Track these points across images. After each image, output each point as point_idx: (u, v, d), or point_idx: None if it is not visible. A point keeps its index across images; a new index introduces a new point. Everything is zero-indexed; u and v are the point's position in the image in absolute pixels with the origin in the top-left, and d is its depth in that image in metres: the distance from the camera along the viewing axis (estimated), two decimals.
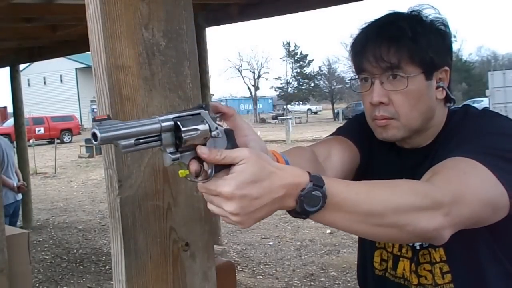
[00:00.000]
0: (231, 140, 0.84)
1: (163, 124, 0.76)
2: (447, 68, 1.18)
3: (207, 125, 0.80)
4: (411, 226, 0.90)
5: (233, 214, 0.77)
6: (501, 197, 1.00)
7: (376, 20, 1.19)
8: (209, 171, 0.80)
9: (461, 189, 0.96)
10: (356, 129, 1.31)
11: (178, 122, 0.77)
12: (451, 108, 1.23)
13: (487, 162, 1.01)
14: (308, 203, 0.81)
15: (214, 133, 0.80)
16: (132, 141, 0.74)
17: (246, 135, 0.87)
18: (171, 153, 0.78)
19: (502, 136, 1.09)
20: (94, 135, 0.72)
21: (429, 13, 1.17)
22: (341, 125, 1.41)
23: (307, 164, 1.09)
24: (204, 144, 0.80)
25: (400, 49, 1.12)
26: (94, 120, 0.72)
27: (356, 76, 1.22)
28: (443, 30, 1.17)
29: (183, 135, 0.77)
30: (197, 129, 0.78)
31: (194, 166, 0.79)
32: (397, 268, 1.25)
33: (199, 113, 0.81)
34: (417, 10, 1.17)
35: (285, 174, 0.81)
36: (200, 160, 0.80)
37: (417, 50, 1.12)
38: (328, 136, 1.35)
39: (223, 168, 0.79)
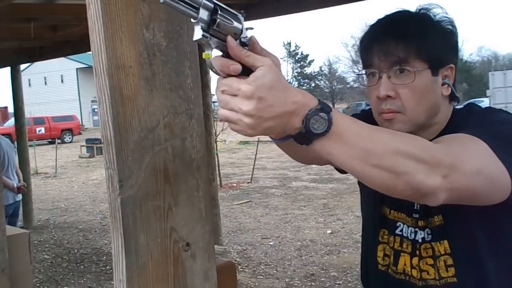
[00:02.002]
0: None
1: (205, 1, 0.78)
2: (452, 65, 1.20)
3: (241, 25, 0.82)
4: (407, 175, 0.91)
5: (248, 115, 0.79)
6: (500, 174, 1.01)
7: (385, 17, 1.22)
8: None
9: (462, 157, 0.98)
10: (368, 120, 1.32)
11: (218, 6, 0.79)
12: (456, 106, 1.26)
13: (491, 142, 1.02)
14: (313, 124, 0.83)
15: (244, 38, 0.83)
16: None
17: (268, 55, 0.88)
18: (202, 28, 0.79)
19: (505, 123, 1.11)
20: None
21: (437, 12, 1.20)
22: None
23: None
24: None
25: (408, 44, 1.15)
26: None
27: (364, 72, 1.24)
28: (450, 29, 1.20)
29: (218, 18, 0.78)
30: (231, 21, 0.81)
31: (219, 60, 0.81)
32: (398, 264, 1.26)
33: (237, 14, 0.83)
34: (426, 8, 1.21)
35: (298, 92, 0.84)
36: (223, 56, 0.81)
37: (424, 46, 1.15)
38: None
39: (243, 73, 0.80)
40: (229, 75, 0.81)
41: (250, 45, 0.84)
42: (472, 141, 1.03)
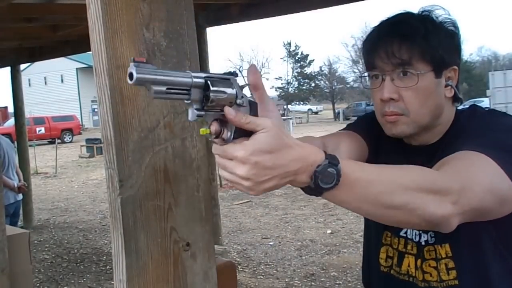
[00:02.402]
0: (254, 111, 0.85)
1: (195, 80, 0.77)
2: (455, 67, 1.20)
3: (234, 90, 0.81)
4: (420, 210, 0.92)
5: (244, 179, 0.79)
6: (508, 191, 1.01)
7: (389, 19, 1.22)
8: (229, 134, 0.81)
9: (469, 179, 0.98)
10: (365, 125, 1.34)
11: (209, 81, 0.78)
12: (459, 108, 1.26)
13: (495, 156, 1.02)
14: (322, 179, 0.83)
15: (239, 100, 0.82)
16: (164, 88, 0.75)
17: (269, 110, 0.87)
18: (196, 109, 0.79)
19: (508, 132, 1.11)
20: (130, 75, 0.73)
21: (439, 14, 1.20)
22: (350, 122, 1.45)
23: None
24: None
25: (412, 46, 1.15)
26: (133, 60, 0.73)
27: (367, 74, 1.25)
28: (452, 31, 1.20)
29: (211, 94, 0.78)
30: (225, 92, 0.80)
31: (215, 126, 0.81)
32: (401, 265, 1.26)
33: (229, 79, 0.82)
34: (428, 10, 1.21)
35: (302, 149, 0.83)
36: (221, 124, 0.81)
37: (428, 48, 1.15)
38: (339, 130, 1.39)
39: (242, 135, 0.80)
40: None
41: (251, 86, 0.84)
42: (477, 159, 1.03)
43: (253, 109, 0.85)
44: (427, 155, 1.21)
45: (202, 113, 0.79)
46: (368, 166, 0.93)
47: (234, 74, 0.84)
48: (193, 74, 0.78)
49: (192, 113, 0.79)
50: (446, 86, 1.19)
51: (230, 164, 0.80)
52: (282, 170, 0.81)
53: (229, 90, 0.81)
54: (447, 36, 1.18)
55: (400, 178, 0.92)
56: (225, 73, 0.83)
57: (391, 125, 1.20)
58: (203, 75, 0.79)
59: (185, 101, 0.79)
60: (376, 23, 1.24)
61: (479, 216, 1.03)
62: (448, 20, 1.20)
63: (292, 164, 0.81)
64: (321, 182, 0.83)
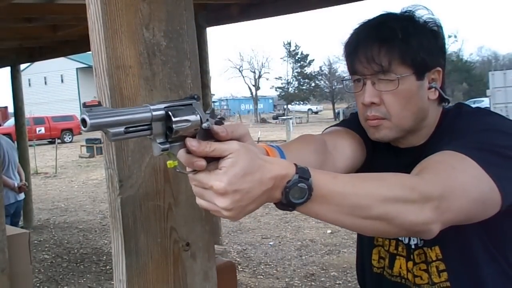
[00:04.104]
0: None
1: (154, 113, 0.75)
2: (439, 68, 1.18)
3: (198, 116, 0.78)
4: (399, 219, 0.90)
5: (226, 210, 0.77)
6: (491, 192, 0.99)
7: (368, 21, 1.19)
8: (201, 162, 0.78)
9: (450, 184, 0.96)
10: (359, 123, 1.32)
11: (170, 112, 0.75)
12: (446, 107, 1.23)
13: (477, 157, 1.00)
14: (293, 195, 0.81)
15: (205, 124, 0.78)
16: (122, 129, 0.72)
17: (235, 131, 0.84)
18: (160, 143, 0.76)
19: (494, 132, 1.09)
20: (83, 121, 0.70)
21: (422, 14, 1.17)
22: (345, 118, 1.41)
23: (311, 155, 1.09)
24: (194, 136, 0.78)
25: (390, 50, 1.12)
26: (84, 105, 0.70)
27: (349, 77, 1.23)
28: (435, 31, 1.17)
29: (173, 125, 0.75)
30: (188, 120, 0.76)
31: (184, 157, 0.78)
32: (393, 267, 1.26)
33: (191, 104, 0.79)
34: (410, 10, 1.18)
35: (273, 166, 0.81)
36: (189, 151, 0.78)
37: (408, 51, 1.12)
38: (334, 126, 1.35)
39: (212, 160, 0.78)
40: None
41: (215, 135, 0.79)
42: (459, 161, 1.00)
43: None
44: (416, 156, 1.18)
45: (167, 146, 0.77)
46: (343, 177, 0.90)
47: (196, 98, 0.81)
48: (152, 107, 0.75)
49: (156, 148, 0.76)
50: (429, 88, 1.16)
51: (208, 194, 0.78)
52: (260, 190, 0.79)
53: (193, 117, 0.77)
54: (429, 37, 1.15)
55: (377, 189, 0.89)
56: (185, 98, 0.80)
57: (374, 129, 1.18)
58: (162, 106, 0.76)
59: (148, 137, 0.76)
60: (356, 25, 1.21)
61: (462, 220, 1.01)
62: (431, 20, 1.17)
63: (267, 182, 0.79)
64: (292, 197, 0.81)
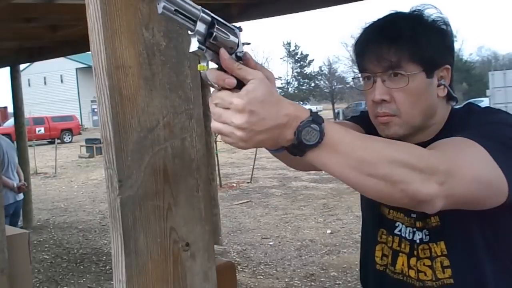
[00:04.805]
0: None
1: (202, 14, 0.79)
2: (448, 66, 1.20)
3: (237, 40, 0.84)
4: (403, 184, 0.90)
5: (240, 128, 0.80)
6: (497, 179, 1.00)
7: (378, 20, 1.21)
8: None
9: (457, 162, 0.97)
10: (368, 120, 1.33)
11: (215, 21, 0.80)
12: (454, 106, 1.25)
13: (487, 145, 1.02)
14: (305, 135, 0.84)
15: (239, 53, 0.84)
16: (172, 8, 0.76)
17: (261, 69, 0.88)
18: (199, 41, 0.80)
19: (504, 125, 1.10)
20: None
21: (431, 13, 1.19)
22: (354, 115, 1.44)
23: None
24: None
25: (400, 48, 1.14)
26: None
27: (359, 75, 1.25)
28: (444, 29, 1.19)
29: (215, 32, 0.80)
30: (228, 35, 0.82)
31: (215, 73, 0.82)
32: (396, 264, 1.26)
33: (234, 29, 0.84)
34: (419, 9, 1.20)
35: (290, 105, 0.84)
36: (219, 69, 0.82)
37: (417, 49, 1.14)
38: (344, 119, 1.39)
39: (237, 87, 0.81)
40: (223, 88, 0.82)
41: (244, 59, 0.84)
42: (469, 145, 1.02)
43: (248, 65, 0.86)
44: None
45: (204, 47, 0.80)
46: (354, 132, 0.93)
47: (239, 28, 0.86)
48: (203, 9, 0.79)
49: (194, 44, 0.80)
50: (438, 85, 1.19)
51: (226, 113, 0.81)
52: (275, 122, 0.82)
53: (232, 37, 0.83)
54: (438, 35, 1.18)
55: (386, 150, 0.91)
56: (232, 24, 0.85)
57: (384, 126, 1.20)
58: (212, 14, 0.81)
59: (189, 32, 0.80)
60: (366, 25, 1.23)
61: (466, 202, 1.02)
62: (440, 18, 1.19)
63: (282, 117, 0.82)
64: (304, 138, 0.84)
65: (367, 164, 0.88)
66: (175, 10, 0.76)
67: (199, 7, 0.79)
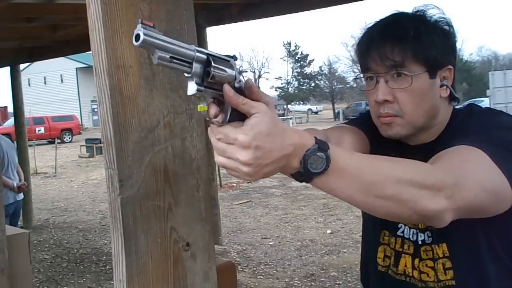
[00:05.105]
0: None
1: (197, 54, 0.78)
2: (450, 67, 1.20)
3: (234, 72, 0.82)
4: (411, 202, 0.91)
5: (246, 164, 0.79)
6: (503, 186, 1.01)
7: (381, 20, 1.21)
8: (224, 117, 0.81)
9: (463, 174, 0.97)
10: (367, 122, 1.33)
11: (211, 58, 0.79)
12: (456, 107, 1.25)
13: (491, 151, 1.02)
14: (312, 164, 0.83)
15: (237, 84, 0.82)
16: (167, 55, 0.75)
17: (262, 98, 0.87)
18: (197, 83, 0.79)
19: (507, 129, 1.11)
20: (137, 36, 0.73)
21: (433, 13, 1.19)
22: (352, 118, 1.45)
23: None
24: None
25: (404, 48, 1.14)
26: (141, 22, 0.73)
27: (362, 75, 1.25)
28: (447, 30, 1.19)
29: (212, 70, 0.78)
30: (225, 71, 0.80)
31: (213, 107, 0.81)
32: (398, 265, 1.26)
33: (229, 60, 0.83)
34: (422, 10, 1.20)
35: (294, 134, 0.83)
36: (219, 104, 0.81)
37: (420, 49, 1.14)
38: (341, 124, 1.38)
39: (236, 119, 0.80)
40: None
41: (246, 88, 0.83)
42: (473, 154, 1.02)
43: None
44: (425, 154, 1.20)
45: (202, 88, 0.79)
46: (360, 154, 0.93)
47: (234, 57, 0.84)
48: (197, 49, 0.78)
49: (192, 87, 0.79)
50: (441, 86, 1.19)
51: (230, 149, 0.79)
52: (281, 153, 0.81)
53: (229, 71, 0.81)
54: (441, 36, 1.18)
55: (392, 170, 0.91)
56: (225, 55, 0.84)
57: (387, 126, 1.20)
58: (205, 51, 0.79)
59: (186, 74, 0.79)
60: (369, 25, 1.23)
61: (474, 212, 1.02)
62: (442, 19, 1.19)
63: (287, 147, 0.81)
64: (311, 166, 0.83)
65: (374, 186, 0.88)
66: (171, 57, 0.75)
67: (193, 46, 0.78)
